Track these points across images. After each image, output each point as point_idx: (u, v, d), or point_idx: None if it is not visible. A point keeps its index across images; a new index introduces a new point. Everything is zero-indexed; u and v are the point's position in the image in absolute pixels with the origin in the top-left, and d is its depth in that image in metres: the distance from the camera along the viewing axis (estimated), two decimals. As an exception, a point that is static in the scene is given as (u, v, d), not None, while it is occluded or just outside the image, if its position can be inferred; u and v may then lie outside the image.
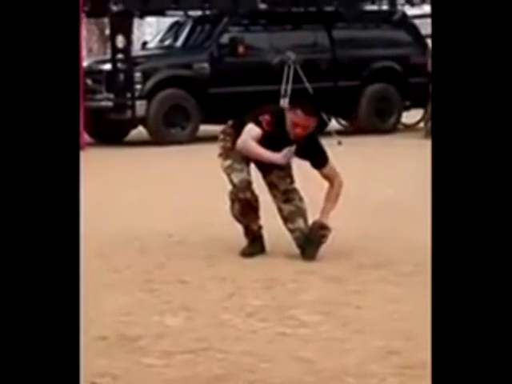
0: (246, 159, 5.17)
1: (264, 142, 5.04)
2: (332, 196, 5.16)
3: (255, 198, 5.18)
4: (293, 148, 5.02)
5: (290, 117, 5.05)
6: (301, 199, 5.25)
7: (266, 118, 5.08)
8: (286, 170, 5.24)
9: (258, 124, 5.05)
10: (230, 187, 5.20)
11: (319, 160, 5.15)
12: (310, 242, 5.11)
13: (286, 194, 5.23)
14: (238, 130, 5.20)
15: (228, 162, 5.22)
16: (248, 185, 5.16)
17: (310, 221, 5.21)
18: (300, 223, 5.20)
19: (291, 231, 5.23)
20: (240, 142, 5.07)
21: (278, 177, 5.22)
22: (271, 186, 5.27)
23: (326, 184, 5.22)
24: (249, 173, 5.20)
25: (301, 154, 5.09)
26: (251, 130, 5.05)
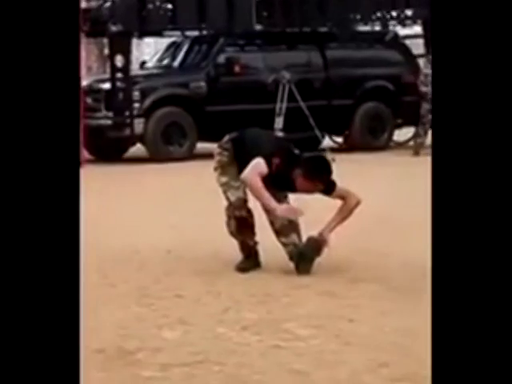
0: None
1: (266, 179, 4.99)
2: (344, 211, 5.14)
3: (251, 215, 5.22)
4: (300, 213, 5.01)
5: (304, 182, 5.00)
6: (294, 214, 5.25)
7: (276, 162, 5.02)
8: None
9: (268, 162, 4.98)
10: (226, 203, 5.27)
11: (327, 188, 5.13)
12: (305, 256, 5.15)
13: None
14: (236, 146, 5.23)
15: (224, 179, 5.26)
16: (244, 203, 5.20)
17: (304, 235, 5.26)
18: (294, 237, 5.23)
19: (284, 245, 5.26)
20: (246, 174, 4.98)
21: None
22: None
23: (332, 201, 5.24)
24: (244, 190, 5.21)
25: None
26: (259, 165, 4.97)
